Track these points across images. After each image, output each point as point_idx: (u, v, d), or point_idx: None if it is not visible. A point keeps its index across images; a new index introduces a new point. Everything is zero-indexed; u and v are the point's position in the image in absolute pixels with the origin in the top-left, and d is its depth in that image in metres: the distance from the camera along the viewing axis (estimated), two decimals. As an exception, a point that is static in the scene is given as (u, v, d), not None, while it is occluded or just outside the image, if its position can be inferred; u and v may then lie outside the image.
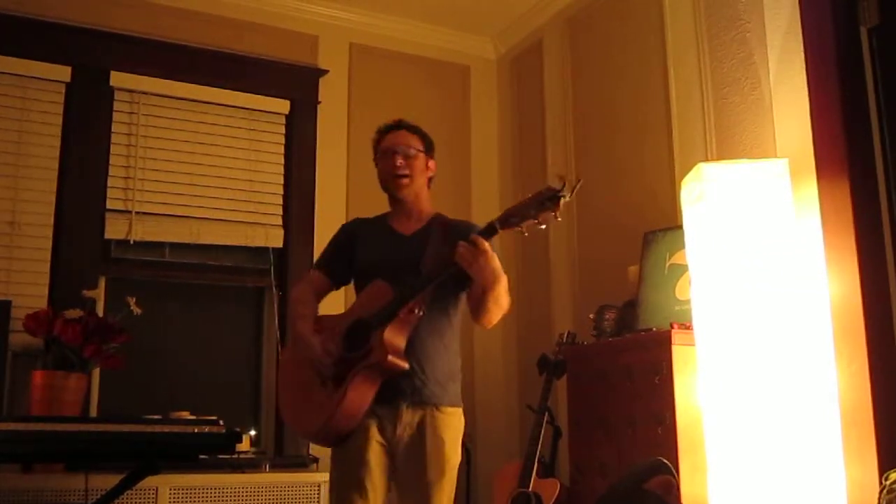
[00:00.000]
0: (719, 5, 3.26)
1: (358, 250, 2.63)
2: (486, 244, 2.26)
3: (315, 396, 2.43)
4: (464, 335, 4.44)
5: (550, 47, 4.40)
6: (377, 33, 4.55)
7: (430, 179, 2.67)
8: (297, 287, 2.70)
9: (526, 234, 2.26)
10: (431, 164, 2.67)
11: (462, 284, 2.48)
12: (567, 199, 2.14)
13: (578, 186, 2.17)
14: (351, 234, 2.70)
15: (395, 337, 2.37)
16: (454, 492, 2.46)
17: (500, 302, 2.41)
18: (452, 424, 2.47)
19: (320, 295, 2.65)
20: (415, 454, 2.42)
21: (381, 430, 2.44)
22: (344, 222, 2.80)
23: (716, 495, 2.55)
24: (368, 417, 2.42)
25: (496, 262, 2.32)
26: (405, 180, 2.59)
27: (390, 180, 2.60)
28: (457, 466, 2.46)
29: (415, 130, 2.67)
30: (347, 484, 2.42)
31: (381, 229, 2.64)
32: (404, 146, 2.61)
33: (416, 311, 2.38)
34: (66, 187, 3.78)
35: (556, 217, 2.17)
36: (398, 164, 2.58)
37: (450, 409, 2.48)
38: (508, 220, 2.25)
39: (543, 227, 2.20)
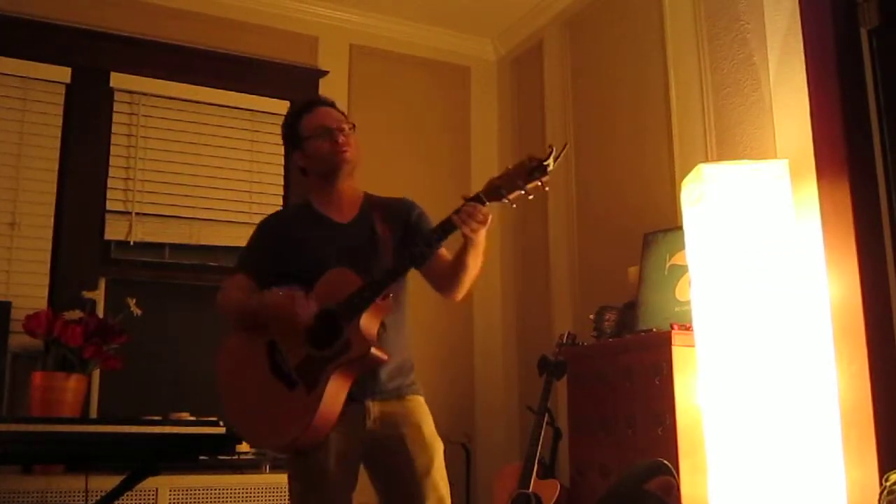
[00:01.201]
0: (719, 6, 3.26)
1: (291, 246, 2.38)
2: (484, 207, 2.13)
3: (284, 402, 2.19)
4: (463, 335, 4.51)
5: (550, 48, 4.40)
6: (377, 34, 4.55)
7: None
8: (222, 292, 2.39)
9: (514, 207, 2.15)
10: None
11: (417, 262, 2.28)
12: (552, 166, 2.05)
13: (564, 151, 2.08)
14: (277, 230, 2.46)
15: (371, 328, 2.19)
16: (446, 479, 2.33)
17: (479, 261, 2.26)
18: (424, 412, 2.33)
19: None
20: (394, 447, 2.25)
21: (344, 435, 2.22)
22: (261, 222, 2.58)
23: (716, 496, 2.55)
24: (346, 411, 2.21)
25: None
26: (349, 156, 2.37)
27: (336, 161, 2.37)
28: (442, 453, 2.32)
29: (337, 107, 2.47)
30: (309, 498, 2.23)
31: (313, 220, 2.41)
32: (341, 122, 2.40)
33: (390, 297, 2.21)
34: (67, 188, 3.78)
35: (543, 187, 2.06)
36: (341, 141, 2.36)
37: (417, 398, 2.34)
38: (497, 191, 2.11)
39: (531, 198, 2.09)
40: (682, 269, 2.97)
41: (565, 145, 2.09)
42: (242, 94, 4.18)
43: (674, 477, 2.59)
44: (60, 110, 3.84)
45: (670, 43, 3.54)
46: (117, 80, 3.94)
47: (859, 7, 2.77)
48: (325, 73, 4.37)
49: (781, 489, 2.45)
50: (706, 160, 3.14)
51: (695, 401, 2.71)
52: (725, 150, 3.16)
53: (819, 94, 2.77)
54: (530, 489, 3.26)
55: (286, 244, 2.39)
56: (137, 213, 3.89)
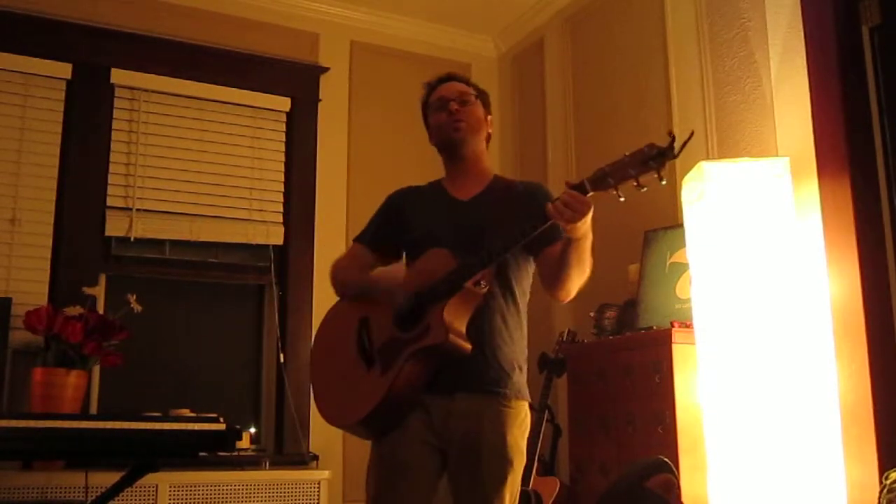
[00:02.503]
0: (721, 4, 3.26)
1: (408, 220, 2.30)
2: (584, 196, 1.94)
3: (359, 382, 2.12)
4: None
5: (551, 46, 4.40)
6: (378, 31, 4.55)
7: (488, 138, 2.36)
8: (336, 263, 2.37)
9: (622, 199, 1.93)
10: (489, 119, 2.36)
11: (533, 251, 2.19)
12: (677, 155, 1.81)
13: (689, 141, 1.85)
14: (398, 202, 2.37)
15: (456, 314, 2.03)
16: (517, 499, 2.13)
17: (585, 260, 2.09)
18: (517, 419, 2.12)
19: (363, 271, 2.31)
20: (471, 453, 2.07)
21: (428, 426, 2.10)
22: (390, 193, 2.45)
23: (716, 494, 2.55)
24: (414, 411, 2.10)
25: (590, 213, 2.00)
26: (462, 125, 2.26)
27: (448, 130, 2.28)
28: (521, 469, 2.11)
29: (467, 82, 2.38)
30: (386, 489, 2.12)
31: (434, 195, 2.32)
32: (459, 93, 2.31)
33: (483, 284, 2.04)
34: (67, 184, 3.77)
35: (660, 179, 1.84)
36: (453, 108, 2.26)
37: (513, 402, 2.12)
38: (603, 179, 1.92)
39: (644, 190, 1.87)
40: (683, 267, 2.97)
41: (692, 133, 1.88)
42: (243, 91, 4.18)
43: (674, 475, 2.59)
44: (61, 106, 3.83)
45: (671, 40, 3.54)
46: (118, 76, 3.94)
47: (860, 4, 2.77)
48: (326, 69, 4.37)
49: (781, 487, 2.45)
50: (707, 158, 3.14)
51: (695, 398, 2.71)
52: (726, 147, 3.15)
53: (820, 91, 2.76)
54: (530, 486, 3.26)
55: (402, 217, 2.32)
56: (138, 210, 3.88)
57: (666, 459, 2.60)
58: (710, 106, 3.27)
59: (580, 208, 1.95)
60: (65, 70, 3.83)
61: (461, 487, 2.09)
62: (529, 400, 2.19)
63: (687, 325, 2.80)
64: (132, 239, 3.86)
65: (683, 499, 2.59)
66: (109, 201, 3.86)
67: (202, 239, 4.00)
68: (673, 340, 2.79)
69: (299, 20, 4.38)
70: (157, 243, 3.95)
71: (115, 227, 3.84)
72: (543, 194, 2.25)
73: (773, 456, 2.47)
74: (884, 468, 2.34)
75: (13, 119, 3.73)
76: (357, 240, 2.40)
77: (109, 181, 3.87)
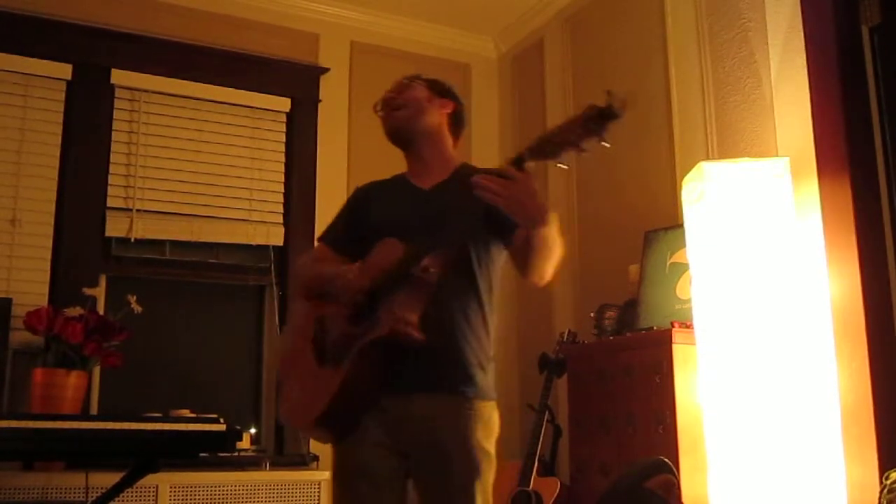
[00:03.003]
0: (721, 4, 3.26)
1: (370, 214, 2.22)
2: (518, 172, 1.81)
3: (315, 382, 2.04)
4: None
5: (551, 46, 4.40)
6: (378, 31, 4.55)
7: (450, 122, 2.25)
8: (299, 264, 2.32)
9: (566, 168, 1.83)
10: (445, 102, 2.25)
11: (505, 238, 2.10)
12: (619, 115, 1.68)
13: (629, 101, 1.70)
14: (362, 197, 2.30)
15: (406, 303, 1.93)
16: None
17: (550, 245, 1.98)
18: (480, 421, 2.01)
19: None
20: (431, 458, 1.99)
21: (386, 429, 2.01)
22: (354, 189, 2.40)
23: (716, 494, 2.55)
24: (371, 413, 2.01)
25: (535, 196, 1.85)
26: (397, 112, 2.20)
27: (384, 119, 2.23)
28: (490, 473, 2.00)
29: (420, 77, 2.29)
30: (345, 492, 2.06)
31: (397, 186, 2.24)
32: (397, 83, 2.26)
33: (431, 271, 1.92)
34: (67, 185, 3.77)
35: (601, 141, 1.70)
36: (386, 96, 2.22)
37: (477, 403, 2.02)
38: (541, 148, 1.79)
39: (586, 152, 1.73)
40: (683, 267, 2.97)
41: (630, 95, 1.74)
42: (243, 91, 4.18)
43: (674, 475, 2.59)
44: (61, 107, 3.83)
45: (671, 41, 3.54)
46: (118, 76, 3.94)
47: (861, 4, 2.77)
48: (325, 70, 4.37)
49: (782, 487, 2.45)
50: (707, 158, 3.14)
51: (695, 399, 2.71)
52: (726, 147, 3.15)
53: (820, 91, 2.76)
54: (530, 487, 3.26)
55: (365, 212, 2.24)
56: (138, 210, 3.89)
57: (666, 460, 2.60)
58: (710, 106, 3.27)
59: (492, 187, 1.81)
60: (65, 71, 3.83)
61: (425, 494, 2.01)
62: (495, 399, 2.08)
63: (687, 326, 2.80)
64: (132, 239, 3.86)
65: (684, 499, 2.59)
66: (110, 202, 3.86)
67: (202, 239, 4.00)
68: (673, 341, 2.79)
69: (299, 21, 4.38)
70: (158, 244, 3.95)
71: (115, 227, 3.84)
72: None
73: (774, 456, 2.47)
74: (884, 468, 2.34)
75: (13, 120, 3.73)
76: (321, 238, 2.32)
77: (110, 182, 3.87)
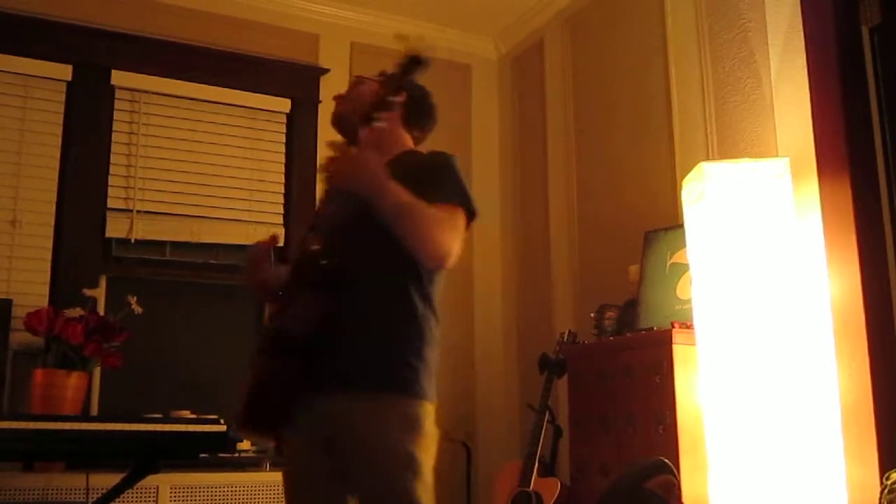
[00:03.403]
0: (721, 4, 3.26)
1: (317, 210, 2.24)
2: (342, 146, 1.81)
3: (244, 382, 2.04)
4: (464, 333, 4.50)
5: (551, 47, 4.40)
6: (378, 32, 4.54)
7: (403, 115, 2.18)
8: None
9: (384, 125, 1.90)
10: (392, 96, 2.09)
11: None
12: (425, 62, 1.76)
13: (426, 55, 1.78)
14: (322, 197, 2.28)
15: (295, 299, 1.92)
16: None
17: (393, 216, 1.86)
18: (399, 419, 1.88)
19: None
20: (348, 458, 1.90)
21: (311, 428, 1.93)
22: None
23: (716, 495, 2.55)
24: (298, 409, 1.93)
25: (361, 167, 1.83)
26: (340, 104, 2.19)
27: (331, 116, 2.20)
28: (417, 476, 1.85)
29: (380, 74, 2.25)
30: (287, 494, 2.02)
31: None
32: (350, 83, 2.27)
33: (324, 262, 1.89)
34: (67, 186, 3.78)
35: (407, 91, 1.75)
36: (337, 95, 2.23)
37: (397, 399, 1.90)
38: (369, 118, 1.86)
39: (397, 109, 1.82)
40: (683, 268, 2.97)
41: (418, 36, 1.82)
42: (244, 92, 4.18)
43: (674, 475, 2.59)
44: (61, 108, 3.84)
45: (671, 41, 3.54)
46: (118, 77, 3.94)
47: (860, 5, 2.77)
48: (326, 70, 4.37)
49: (782, 487, 2.45)
50: (707, 158, 3.14)
51: (695, 399, 2.71)
52: (726, 148, 3.15)
53: (820, 91, 2.76)
54: (531, 487, 3.26)
55: (317, 209, 2.27)
56: (138, 211, 3.89)
57: (666, 460, 2.60)
58: (710, 106, 3.27)
59: (327, 167, 1.84)
60: (65, 72, 3.84)
61: (352, 494, 1.93)
62: (426, 399, 1.94)
63: (687, 326, 2.80)
64: (133, 240, 3.86)
65: (684, 499, 2.59)
66: (110, 203, 3.86)
67: (203, 240, 4.00)
68: (673, 341, 2.79)
69: (299, 21, 4.38)
70: (158, 245, 3.95)
71: (115, 228, 3.84)
72: (438, 165, 2.04)
73: (774, 456, 2.47)
74: (884, 468, 2.34)
75: (14, 121, 3.74)
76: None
77: (110, 183, 3.87)
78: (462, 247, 1.98)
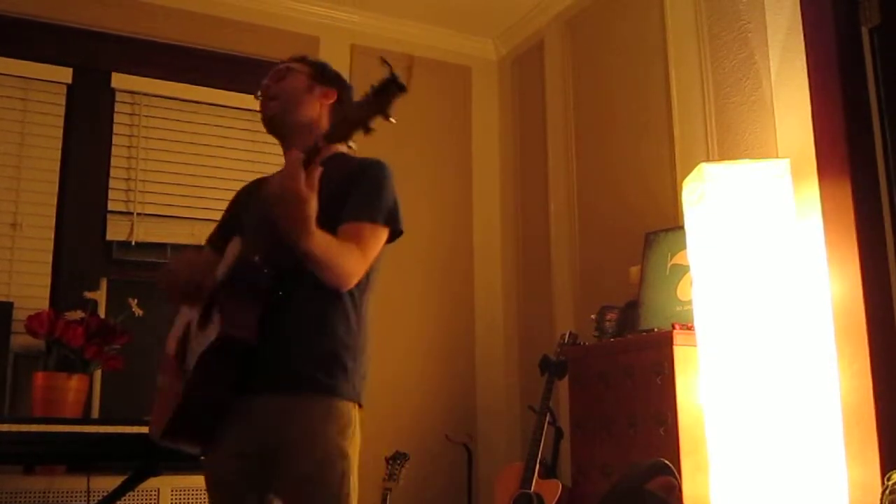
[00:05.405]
0: (720, 6, 3.26)
1: (240, 211, 2.16)
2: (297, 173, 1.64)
3: (170, 392, 2.00)
4: (465, 335, 4.50)
5: (551, 48, 4.40)
6: (378, 34, 4.55)
7: (333, 113, 2.11)
8: (169, 263, 2.20)
9: (354, 147, 1.78)
10: (327, 91, 2.12)
11: (332, 225, 1.93)
12: (404, 87, 1.63)
13: (412, 68, 1.70)
14: (240, 194, 2.23)
15: (238, 306, 1.85)
16: None
17: (310, 257, 1.76)
18: (330, 420, 1.88)
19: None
20: (279, 461, 1.87)
21: (237, 435, 1.91)
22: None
23: (717, 496, 2.54)
24: (226, 418, 1.91)
25: (302, 211, 1.66)
26: (270, 103, 2.06)
27: (260, 107, 2.08)
28: (345, 477, 1.86)
29: (303, 58, 2.19)
30: None
31: (267, 182, 1.98)
32: (275, 71, 2.12)
33: (265, 270, 1.85)
34: (68, 189, 3.78)
35: (388, 118, 1.62)
36: (264, 83, 2.08)
37: (330, 401, 1.89)
38: (333, 134, 1.70)
39: (372, 131, 1.64)
40: (684, 269, 2.97)
41: (411, 60, 1.68)
42: (244, 95, 4.15)
43: (675, 477, 2.59)
44: (62, 111, 3.84)
45: (671, 42, 3.54)
46: (118, 80, 3.94)
47: (860, 5, 2.77)
48: (326, 72, 4.37)
49: (783, 489, 2.45)
50: (707, 159, 3.14)
51: (696, 400, 2.71)
52: (727, 149, 3.16)
53: (820, 92, 2.76)
54: (532, 489, 3.26)
55: (234, 210, 2.19)
56: (139, 214, 3.89)
57: (667, 462, 2.60)
58: (711, 107, 3.27)
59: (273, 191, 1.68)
60: (65, 74, 3.84)
61: (283, 498, 1.90)
62: (356, 401, 1.94)
63: (688, 327, 2.80)
64: (133, 243, 3.86)
65: (685, 501, 2.59)
66: (110, 205, 3.86)
67: (203, 243, 3.99)
68: (674, 342, 2.79)
69: (299, 24, 4.38)
70: (159, 247, 3.95)
71: (116, 231, 3.84)
72: (372, 179, 2.00)
73: (775, 457, 2.47)
74: (886, 469, 2.34)
75: (14, 124, 3.74)
76: (207, 241, 2.27)
77: (110, 185, 3.87)
78: (382, 264, 2.02)
